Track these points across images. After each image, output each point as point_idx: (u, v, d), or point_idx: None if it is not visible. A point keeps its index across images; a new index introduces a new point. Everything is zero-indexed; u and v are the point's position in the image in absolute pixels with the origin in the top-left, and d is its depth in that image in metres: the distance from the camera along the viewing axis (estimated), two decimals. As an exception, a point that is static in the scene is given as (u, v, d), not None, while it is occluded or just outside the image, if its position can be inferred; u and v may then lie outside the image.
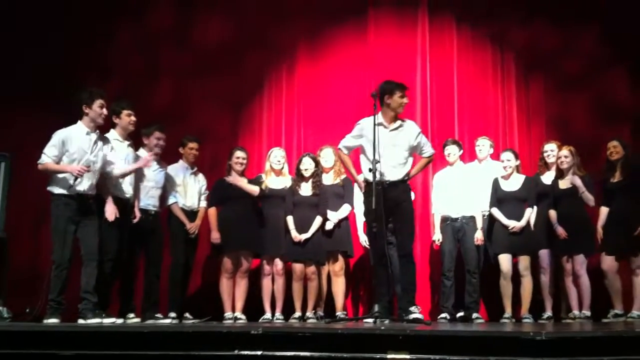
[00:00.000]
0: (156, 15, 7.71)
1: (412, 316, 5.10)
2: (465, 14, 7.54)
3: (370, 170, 5.06)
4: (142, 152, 6.00)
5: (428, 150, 5.49)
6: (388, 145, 5.22)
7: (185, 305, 6.37)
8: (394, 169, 5.28)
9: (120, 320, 5.31)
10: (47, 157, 5.10)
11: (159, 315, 5.86)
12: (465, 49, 7.51)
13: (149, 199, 5.95)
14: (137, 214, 5.75)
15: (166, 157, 6.29)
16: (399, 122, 5.35)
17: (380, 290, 5.26)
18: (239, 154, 6.36)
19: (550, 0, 7.47)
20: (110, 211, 5.36)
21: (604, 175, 6.22)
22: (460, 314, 6.26)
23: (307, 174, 6.25)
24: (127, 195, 5.63)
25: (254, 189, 6.23)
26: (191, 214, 6.27)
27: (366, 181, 5.35)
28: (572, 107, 7.30)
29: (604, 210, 6.18)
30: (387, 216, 5.22)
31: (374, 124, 5.09)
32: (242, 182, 6.25)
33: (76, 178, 5.04)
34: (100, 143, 5.34)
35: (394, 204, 5.22)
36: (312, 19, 7.66)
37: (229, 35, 7.71)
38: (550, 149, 6.42)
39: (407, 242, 5.37)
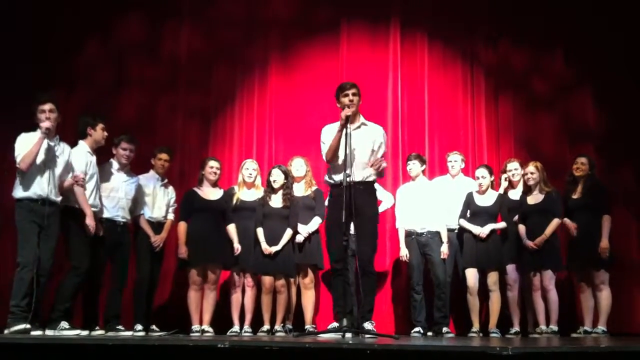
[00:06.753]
0: (125, 28, 7.63)
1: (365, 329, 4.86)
2: (437, 31, 7.62)
3: (339, 180, 4.88)
4: (112, 163, 5.97)
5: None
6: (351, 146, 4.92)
7: (152, 317, 6.27)
8: (358, 170, 4.96)
9: (85, 332, 5.22)
10: (21, 155, 5.07)
11: (120, 327, 5.75)
12: (436, 65, 7.60)
13: (117, 210, 5.87)
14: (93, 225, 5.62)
15: (135, 169, 6.22)
16: (361, 121, 5.12)
17: (341, 303, 4.98)
18: (213, 163, 6.32)
19: (518, 22, 7.62)
20: (92, 226, 5.32)
21: (565, 189, 6.32)
22: (429, 333, 6.27)
23: (276, 185, 6.23)
24: (95, 209, 5.56)
25: None
26: (157, 226, 6.21)
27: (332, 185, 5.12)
28: (540, 126, 7.45)
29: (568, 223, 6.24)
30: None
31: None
32: None
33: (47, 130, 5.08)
34: (60, 148, 5.30)
35: (355, 206, 4.77)
36: (285, 31, 7.66)
37: (199, 48, 7.67)
38: (514, 168, 6.53)
39: (364, 251, 4.99)
